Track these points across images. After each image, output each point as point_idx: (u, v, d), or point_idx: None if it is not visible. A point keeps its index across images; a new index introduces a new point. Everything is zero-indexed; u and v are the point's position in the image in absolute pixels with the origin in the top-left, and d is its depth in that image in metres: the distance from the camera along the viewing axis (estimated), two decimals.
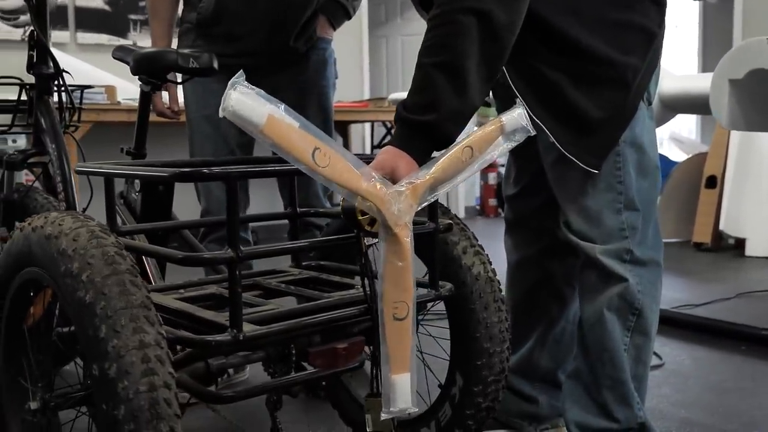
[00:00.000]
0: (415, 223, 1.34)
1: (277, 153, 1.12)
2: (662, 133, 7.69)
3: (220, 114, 1.06)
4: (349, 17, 2.23)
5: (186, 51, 1.79)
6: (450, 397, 1.56)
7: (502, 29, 1.32)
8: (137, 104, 2.14)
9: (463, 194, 7.03)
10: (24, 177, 2.61)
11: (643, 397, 1.59)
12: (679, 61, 7.87)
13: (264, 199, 3.58)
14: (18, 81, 2.27)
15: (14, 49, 4.14)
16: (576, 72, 1.48)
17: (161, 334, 1.06)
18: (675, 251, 4.94)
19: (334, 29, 2.22)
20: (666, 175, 5.43)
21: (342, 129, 5.81)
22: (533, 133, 1.30)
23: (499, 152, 1.27)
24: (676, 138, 7.16)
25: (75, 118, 2.32)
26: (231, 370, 2.20)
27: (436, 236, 1.43)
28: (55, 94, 2.19)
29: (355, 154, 1.22)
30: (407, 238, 1.19)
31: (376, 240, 1.26)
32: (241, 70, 1.08)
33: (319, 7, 2.13)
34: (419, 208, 1.23)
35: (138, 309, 1.05)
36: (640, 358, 1.57)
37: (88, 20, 4.91)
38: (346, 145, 5.72)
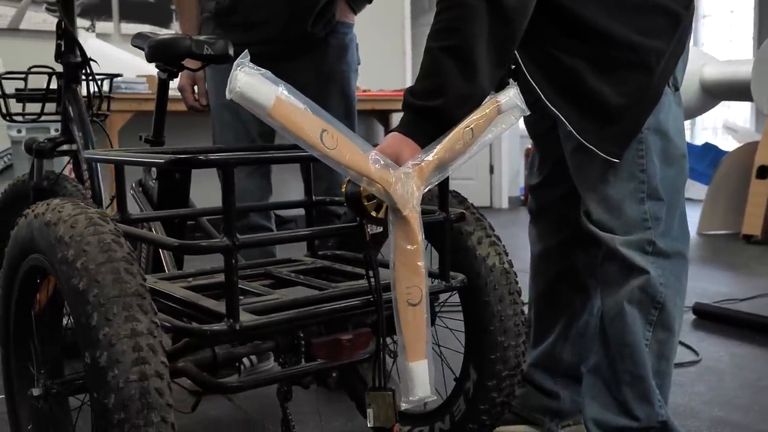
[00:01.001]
0: (426, 212, 1.32)
1: (284, 135, 1.11)
2: (716, 121, 7.51)
3: (227, 96, 1.05)
4: (370, 1, 2.20)
5: (201, 38, 1.78)
6: (464, 391, 1.54)
7: (513, 12, 1.29)
8: (177, 94, 2.16)
9: (507, 184, 6.94)
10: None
11: (666, 395, 1.54)
12: (734, 47, 7.64)
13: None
14: (49, 70, 2.30)
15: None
16: (595, 57, 1.43)
17: (155, 322, 1.05)
18: (723, 243, 4.82)
19: (355, 13, 2.19)
20: (716, 164, 5.29)
21: (383, 118, 5.80)
22: (528, 112, 1.28)
23: (497, 133, 1.26)
24: (729, 126, 6.96)
25: (105, 106, 2.35)
26: (254, 359, 2.20)
27: (447, 226, 1.39)
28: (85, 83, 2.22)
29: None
30: (416, 221, 1.18)
31: (380, 228, 1.24)
32: (246, 50, 1.07)
33: None
34: (425, 190, 1.21)
35: (131, 297, 1.04)
36: (662, 353, 1.51)
37: (132, 11, 4.97)
38: (388, 133, 5.69)
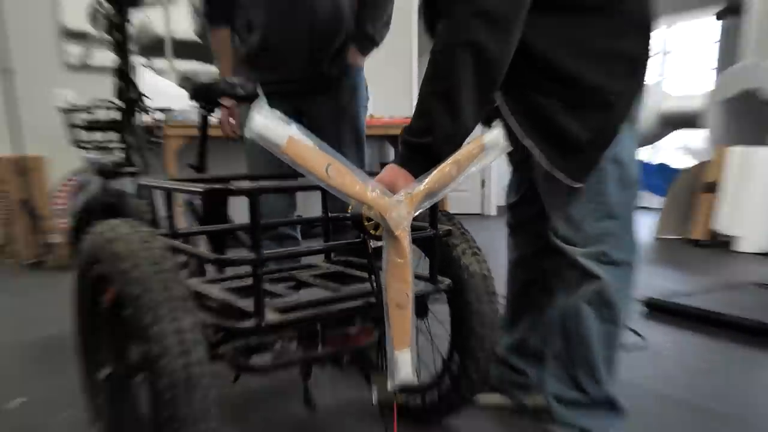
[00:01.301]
0: (420, 228, 1.34)
1: (296, 169, 1.11)
2: (671, 144, 7.44)
3: (246, 135, 1.05)
4: (377, 45, 2.19)
5: (234, 80, 1.81)
6: (450, 371, 1.57)
7: (495, 62, 1.28)
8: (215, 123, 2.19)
9: (495, 196, 6.94)
10: None
11: (613, 376, 1.56)
12: (699, 80, 7.49)
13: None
14: (112, 104, 2.34)
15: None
16: (566, 98, 1.42)
17: (196, 321, 1.09)
18: (674, 246, 4.79)
19: (364, 57, 2.20)
20: (670, 179, 5.27)
21: (393, 140, 5.80)
22: (510, 149, 1.27)
23: (480, 166, 1.26)
24: (687, 147, 6.91)
25: (159, 134, 2.40)
26: None
27: (437, 240, 1.42)
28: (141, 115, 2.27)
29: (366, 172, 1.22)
30: (406, 240, 1.19)
31: (380, 243, 1.26)
32: (262, 95, 1.08)
33: (349, 38, 2.11)
34: (416, 214, 1.22)
35: (176, 301, 1.08)
36: (610, 343, 1.53)
37: (182, 50, 5.01)
38: (395, 153, 5.72)
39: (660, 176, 5.89)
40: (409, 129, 1.30)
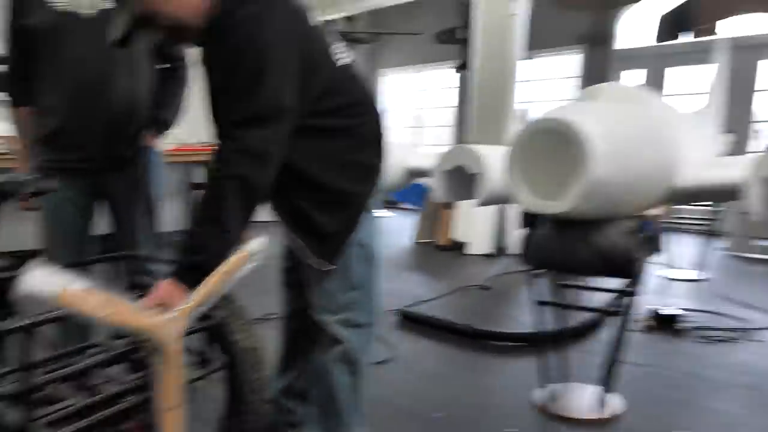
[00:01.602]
0: (204, 318, 1.28)
1: (71, 312, 1.02)
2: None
3: (20, 293, 0.94)
4: (168, 128, 2.06)
5: (23, 179, 1.59)
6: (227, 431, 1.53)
7: (257, 188, 1.28)
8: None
9: None
10: None
11: (361, 413, 1.60)
12: (442, 138, 8.08)
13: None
14: None
15: None
16: (319, 201, 1.46)
17: None
18: (426, 250, 5.09)
19: (156, 139, 2.04)
20: (424, 196, 5.66)
21: (199, 164, 5.49)
22: (265, 255, 1.26)
23: (245, 271, 1.24)
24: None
25: None
26: None
27: (214, 329, 1.37)
28: None
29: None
30: (178, 351, 1.13)
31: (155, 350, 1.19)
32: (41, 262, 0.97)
33: (144, 123, 1.96)
34: (188, 324, 1.16)
35: None
36: (355, 390, 1.58)
37: None
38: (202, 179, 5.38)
39: (416, 193, 6.28)
40: (183, 248, 1.24)
